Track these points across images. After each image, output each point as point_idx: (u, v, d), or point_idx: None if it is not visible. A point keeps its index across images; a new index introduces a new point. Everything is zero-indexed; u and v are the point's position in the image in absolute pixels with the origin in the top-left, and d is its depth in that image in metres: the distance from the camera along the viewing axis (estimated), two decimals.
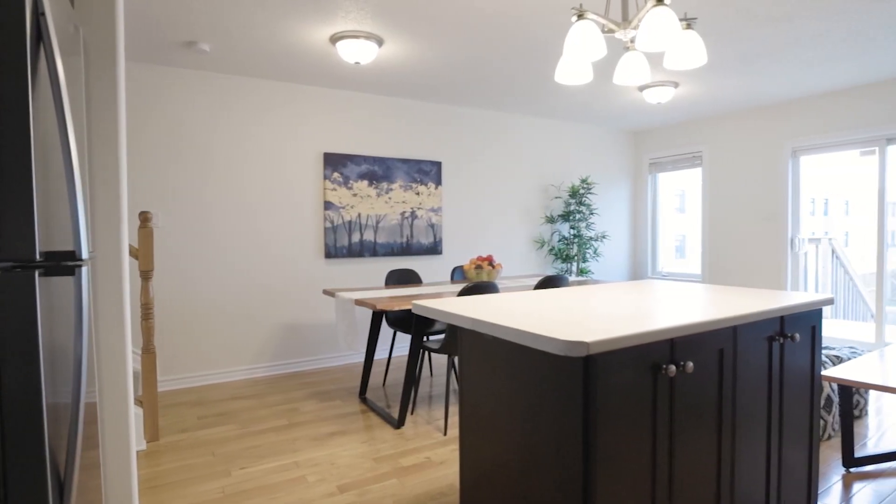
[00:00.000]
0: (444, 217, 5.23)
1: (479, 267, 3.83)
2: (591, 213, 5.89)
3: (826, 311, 6.00)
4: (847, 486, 2.48)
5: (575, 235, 5.78)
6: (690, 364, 1.46)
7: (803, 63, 4.00)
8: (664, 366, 1.43)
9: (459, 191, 5.31)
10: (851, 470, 2.64)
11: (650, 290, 2.26)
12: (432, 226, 5.11)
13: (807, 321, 1.94)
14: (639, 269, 6.71)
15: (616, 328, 1.38)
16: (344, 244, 4.65)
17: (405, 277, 4.28)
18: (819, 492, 2.43)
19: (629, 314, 1.61)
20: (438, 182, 5.14)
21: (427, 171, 5.08)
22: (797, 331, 1.89)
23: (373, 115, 4.80)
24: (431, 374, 4.30)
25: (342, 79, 4.31)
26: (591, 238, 5.86)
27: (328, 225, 4.57)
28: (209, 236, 4.10)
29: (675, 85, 4.55)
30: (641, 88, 4.63)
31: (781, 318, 1.83)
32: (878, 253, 4.69)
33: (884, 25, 3.28)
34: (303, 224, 4.49)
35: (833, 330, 5.62)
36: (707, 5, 2.95)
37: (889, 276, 6.47)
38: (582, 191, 5.80)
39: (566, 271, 5.89)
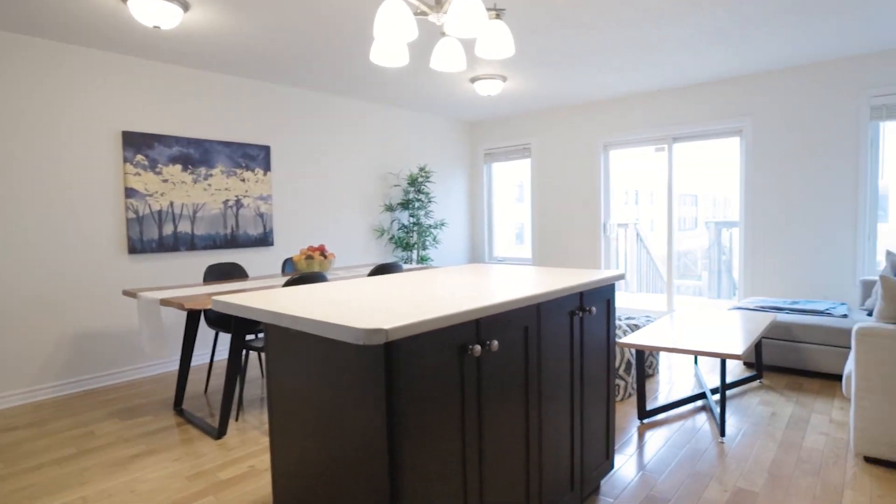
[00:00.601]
0: (275, 206, 4.88)
1: (309, 257, 3.62)
2: (430, 202, 5.99)
3: (632, 285, 6.90)
4: (641, 435, 2.83)
5: (414, 223, 5.83)
6: (496, 343, 1.48)
7: (608, 67, 4.47)
8: (470, 346, 1.42)
9: (292, 177, 4.99)
10: (645, 421, 3.02)
11: (471, 273, 2.30)
12: (261, 215, 4.74)
13: (602, 296, 2.13)
14: (477, 255, 7.03)
15: (422, 312, 1.34)
16: (153, 237, 4.07)
17: (228, 272, 3.90)
18: (618, 444, 2.73)
19: (442, 296, 1.59)
20: (267, 168, 4.77)
21: (254, 156, 4.67)
22: (594, 304, 2.06)
23: (186, 90, 4.26)
24: (263, 376, 3.98)
25: (143, 46, 3.73)
26: (430, 226, 5.96)
27: (132, 215, 3.96)
28: None
29: (504, 79, 4.78)
30: (473, 80, 4.78)
31: (580, 293, 1.97)
32: (668, 236, 5.49)
33: (669, 40, 3.79)
34: (97, 214, 3.82)
35: (636, 302, 6.48)
36: (521, 3, 3.10)
37: (679, 256, 7.53)
38: (420, 179, 5.86)
39: (406, 260, 5.92)
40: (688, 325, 3.32)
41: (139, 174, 3.99)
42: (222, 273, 3.84)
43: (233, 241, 4.53)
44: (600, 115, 5.77)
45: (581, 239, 6.00)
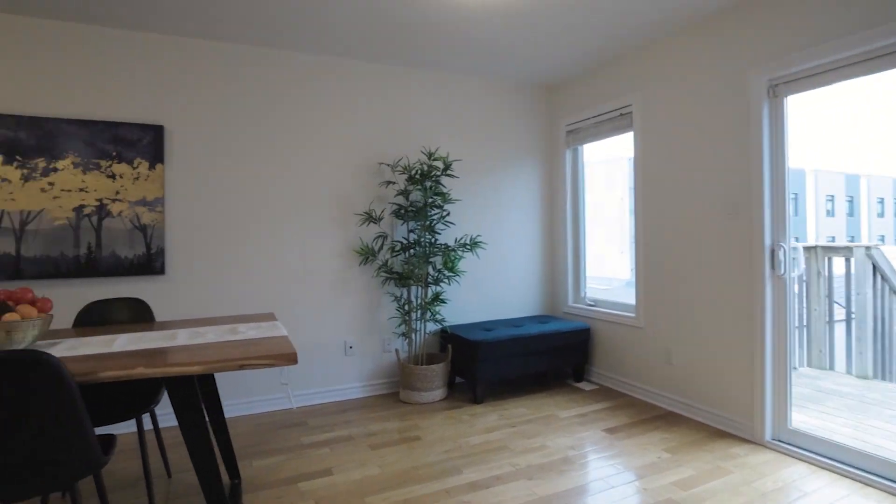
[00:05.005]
0: (170, 214, 3.25)
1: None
2: (446, 202, 3.72)
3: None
4: None
5: (419, 242, 3.61)
6: None
7: None
8: None
9: (202, 171, 3.31)
10: None
11: None
12: (143, 228, 3.15)
13: None
14: (556, 293, 4.42)
15: None
16: None
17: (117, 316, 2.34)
18: None
19: None
20: (157, 158, 3.17)
21: (133, 141, 3.12)
22: None
23: (18, 46, 2.91)
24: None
25: None
26: (447, 247, 3.67)
27: None
28: None
29: None
30: None
31: None
32: None
33: None
34: None
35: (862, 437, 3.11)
36: None
37: None
38: (434, 173, 3.63)
39: (402, 303, 3.72)
40: None
41: None
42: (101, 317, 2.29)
43: (90, 268, 3.03)
44: (755, 21, 2.77)
45: (725, 275, 3.02)
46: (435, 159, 3.63)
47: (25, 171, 2.91)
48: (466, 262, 4.08)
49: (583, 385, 3.90)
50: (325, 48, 3.48)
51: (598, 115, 3.90)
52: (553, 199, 4.43)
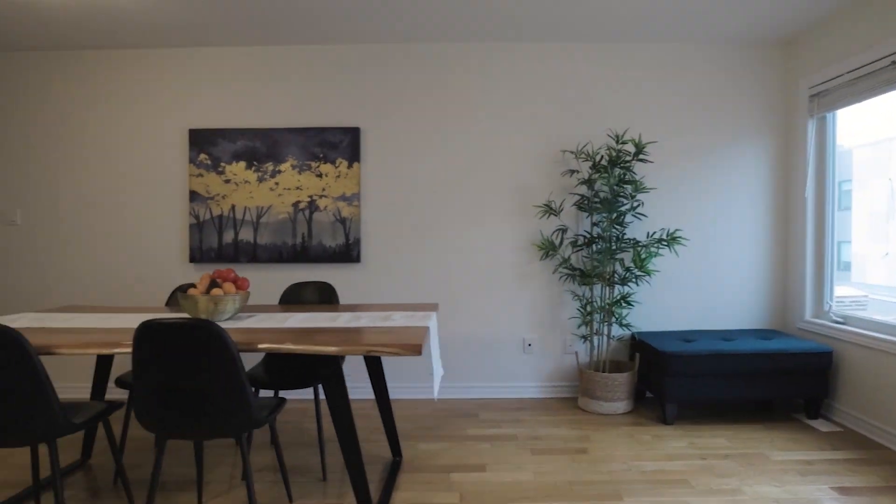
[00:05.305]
0: (365, 208, 3.57)
1: (211, 286, 2.24)
2: (638, 191, 3.25)
3: None
4: None
5: (600, 236, 3.26)
6: None
7: None
8: None
9: (391, 168, 3.56)
10: None
11: None
12: (343, 221, 3.54)
13: None
14: (787, 305, 3.52)
15: None
16: (212, 246, 3.55)
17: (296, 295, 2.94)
18: None
19: None
20: (354, 157, 3.53)
21: (335, 143, 3.53)
22: None
23: (252, 73, 3.55)
24: None
25: (200, 32, 3.23)
26: (638, 243, 3.24)
27: (193, 221, 3.55)
28: (59, 238, 3.60)
29: None
30: None
31: None
32: None
33: None
34: (164, 219, 3.59)
35: None
36: None
37: None
38: (623, 158, 3.24)
39: (584, 303, 3.38)
40: None
41: (201, 175, 3.55)
42: (296, 297, 2.89)
43: (303, 255, 3.54)
44: None
45: None
46: (623, 142, 3.23)
47: (259, 173, 3.55)
48: (662, 260, 3.55)
49: (817, 424, 3.03)
50: (502, 34, 3.39)
51: (856, 69, 2.95)
52: (787, 184, 3.54)
